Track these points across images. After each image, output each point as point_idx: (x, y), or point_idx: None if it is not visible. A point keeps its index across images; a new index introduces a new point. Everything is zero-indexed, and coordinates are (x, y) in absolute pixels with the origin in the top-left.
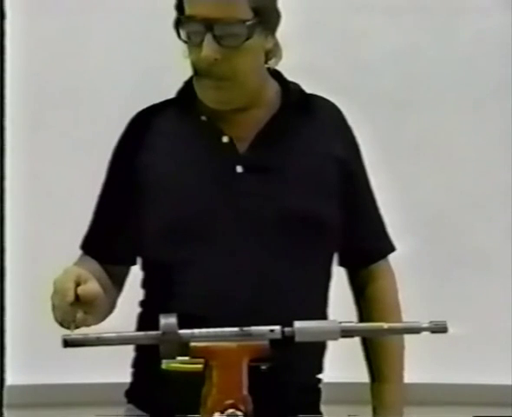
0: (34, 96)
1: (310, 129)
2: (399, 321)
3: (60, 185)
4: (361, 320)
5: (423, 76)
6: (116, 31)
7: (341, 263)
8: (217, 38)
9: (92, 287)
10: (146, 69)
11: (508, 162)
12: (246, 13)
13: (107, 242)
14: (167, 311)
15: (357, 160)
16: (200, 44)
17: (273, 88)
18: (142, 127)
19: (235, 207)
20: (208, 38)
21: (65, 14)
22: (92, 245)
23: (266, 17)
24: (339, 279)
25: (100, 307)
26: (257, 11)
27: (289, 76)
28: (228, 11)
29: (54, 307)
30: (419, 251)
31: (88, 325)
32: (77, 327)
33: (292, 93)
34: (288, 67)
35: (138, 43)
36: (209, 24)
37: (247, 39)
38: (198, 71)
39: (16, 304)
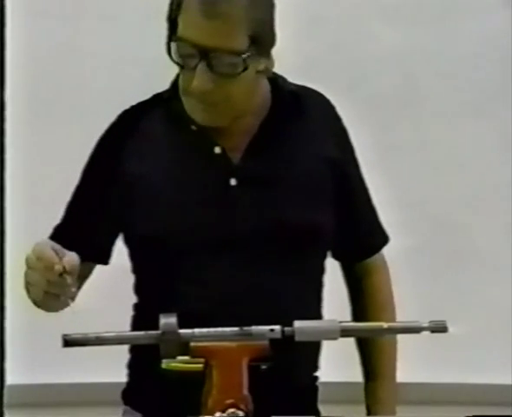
0: (34, 97)
1: (302, 130)
2: (393, 314)
3: (59, 184)
4: (354, 313)
5: (423, 75)
6: (117, 31)
7: (335, 257)
8: (211, 66)
9: (74, 256)
10: (146, 68)
11: (508, 162)
12: (243, 43)
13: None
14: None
15: (349, 156)
16: (192, 69)
17: (263, 88)
18: (128, 130)
19: (229, 222)
20: (202, 67)
21: (65, 15)
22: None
23: (263, 45)
24: (334, 276)
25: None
26: (254, 40)
27: (288, 76)
28: (225, 42)
29: (31, 285)
30: (418, 250)
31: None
32: (73, 299)
33: (281, 92)
34: (288, 66)
35: (138, 43)
36: (204, 52)
37: (244, 70)
38: (187, 94)
39: (16, 304)
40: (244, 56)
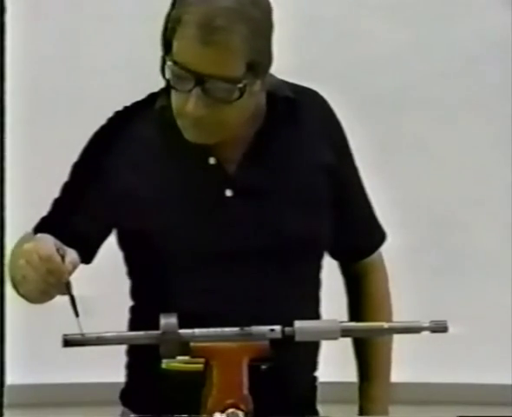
0: (34, 97)
1: (297, 138)
2: (390, 312)
3: (59, 183)
4: (351, 311)
5: (423, 75)
6: (116, 31)
7: (333, 257)
8: (206, 91)
9: (76, 258)
10: (146, 68)
11: (508, 161)
12: (240, 70)
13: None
14: (158, 321)
15: (345, 158)
16: (186, 92)
17: (258, 98)
18: (119, 135)
19: (226, 233)
20: (197, 92)
21: (65, 15)
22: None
23: (261, 69)
24: (334, 276)
25: None
26: (251, 66)
27: (287, 76)
28: (222, 69)
29: (26, 281)
30: (418, 250)
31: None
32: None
33: (277, 99)
34: (286, 67)
35: (138, 43)
36: (199, 78)
37: (239, 97)
38: (179, 115)
39: (16, 304)
40: (240, 85)
